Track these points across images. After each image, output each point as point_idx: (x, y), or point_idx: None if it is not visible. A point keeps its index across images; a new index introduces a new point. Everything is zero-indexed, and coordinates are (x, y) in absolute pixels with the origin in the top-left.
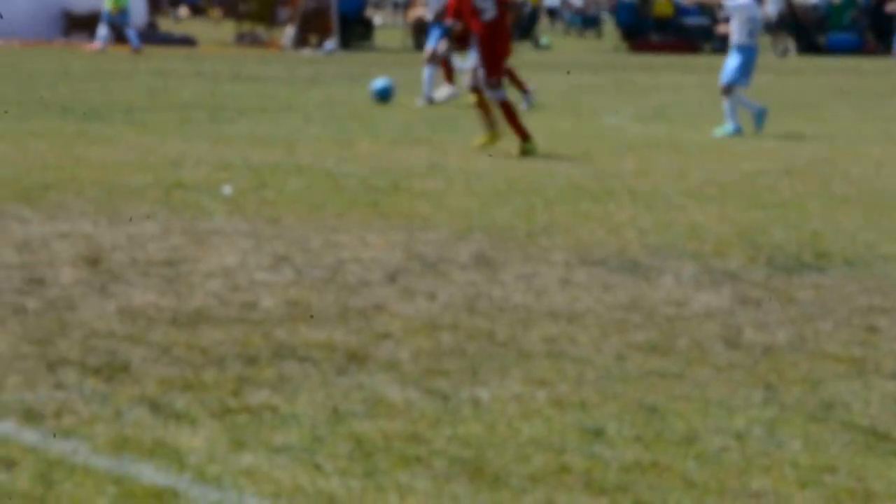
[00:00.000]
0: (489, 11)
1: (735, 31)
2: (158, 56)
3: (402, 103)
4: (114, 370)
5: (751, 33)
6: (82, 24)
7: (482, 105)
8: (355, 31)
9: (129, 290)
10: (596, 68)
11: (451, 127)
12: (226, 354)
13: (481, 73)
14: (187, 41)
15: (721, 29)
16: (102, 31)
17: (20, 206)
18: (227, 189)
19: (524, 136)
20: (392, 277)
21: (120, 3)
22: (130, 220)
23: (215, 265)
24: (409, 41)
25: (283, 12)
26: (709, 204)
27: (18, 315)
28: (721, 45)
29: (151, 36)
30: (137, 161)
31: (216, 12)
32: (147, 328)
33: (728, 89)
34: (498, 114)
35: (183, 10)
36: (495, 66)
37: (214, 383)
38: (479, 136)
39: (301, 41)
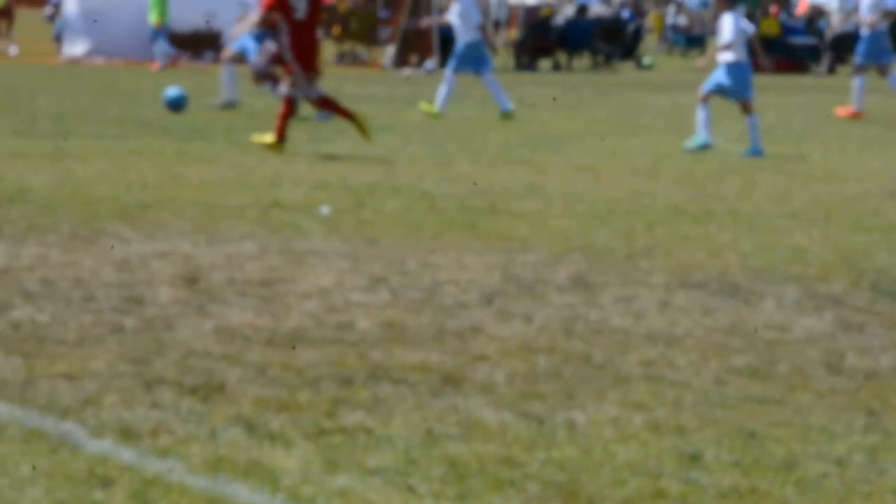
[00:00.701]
0: (300, 11)
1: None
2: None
3: (498, 122)
4: (210, 390)
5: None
6: (185, 43)
7: (327, 105)
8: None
9: (227, 310)
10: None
11: (552, 148)
12: (321, 375)
13: (298, 75)
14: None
15: (700, 63)
16: (161, 46)
17: (120, 224)
18: (325, 209)
19: (281, 136)
20: (489, 299)
21: (163, 14)
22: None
23: (312, 285)
24: (511, 60)
25: (384, 32)
26: (812, 227)
27: (116, 334)
28: (830, 65)
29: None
30: (237, 180)
31: (338, 28)
32: (243, 348)
33: (705, 97)
34: (357, 112)
35: None
36: (307, 65)
37: (309, 404)
38: (363, 134)
39: (401, 60)
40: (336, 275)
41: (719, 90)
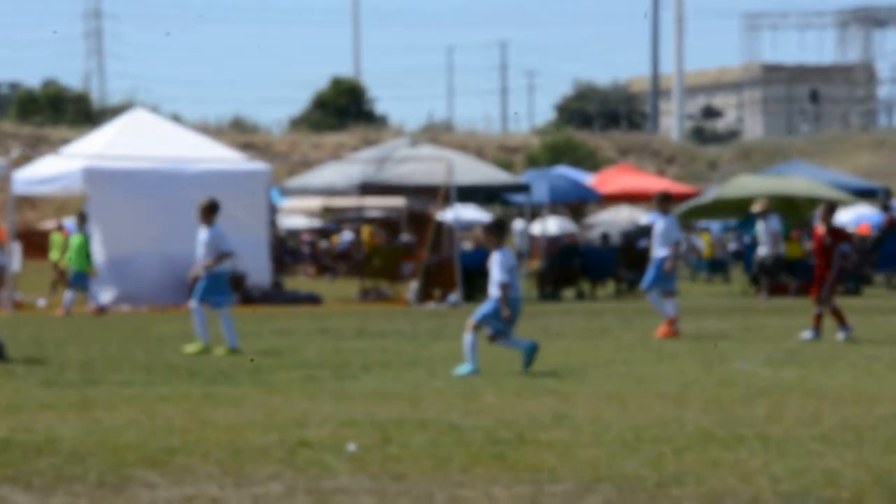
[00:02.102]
0: None
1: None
2: (284, 315)
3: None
4: None
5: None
6: None
7: None
8: (478, 283)
9: None
10: (725, 312)
11: (578, 376)
12: None
13: None
14: (313, 299)
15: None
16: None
17: (147, 471)
18: (352, 447)
19: None
20: None
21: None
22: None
23: None
24: (534, 291)
25: (407, 267)
26: (845, 449)
27: None
28: (855, 286)
29: (277, 295)
30: (263, 421)
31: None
32: None
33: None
34: None
35: (309, 269)
36: None
37: None
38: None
39: (425, 295)
40: None
41: None
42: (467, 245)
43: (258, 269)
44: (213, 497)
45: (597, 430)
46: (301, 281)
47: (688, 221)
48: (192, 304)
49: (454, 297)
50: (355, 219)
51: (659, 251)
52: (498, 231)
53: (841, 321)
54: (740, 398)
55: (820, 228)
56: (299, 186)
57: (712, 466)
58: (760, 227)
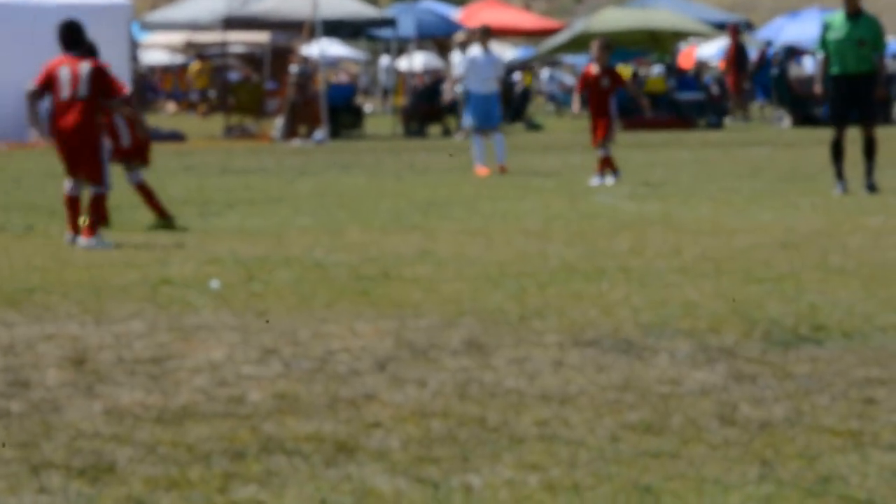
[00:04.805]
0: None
1: None
2: None
3: (389, 189)
4: (99, 471)
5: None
6: None
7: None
8: (345, 120)
9: (115, 390)
10: (588, 146)
11: (443, 213)
12: (212, 451)
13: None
14: (175, 137)
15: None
16: None
17: (5, 309)
18: (215, 283)
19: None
20: (382, 366)
21: None
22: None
23: (202, 361)
24: (399, 128)
25: (272, 104)
26: (704, 280)
27: (2, 419)
28: (717, 119)
29: None
30: (124, 260)
31: (202, 106)
32: (133, 427)
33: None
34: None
35: (170, 106)
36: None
37: (200, 480)
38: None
39: (290, 132)
40: (227, 349)
41: None
42: (333, 81)
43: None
44: (73, 335)
45: (461, 265)
46: (162, 118)
47: (554, 56)
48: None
49: (320, 133)
50: (219, 54)
51: (476, 86)
52: None
53: (612, 168)
54: (603, 232)
55: (593, 68)
56: (161, 21)
57: (574, 299)
58: (457, 59)
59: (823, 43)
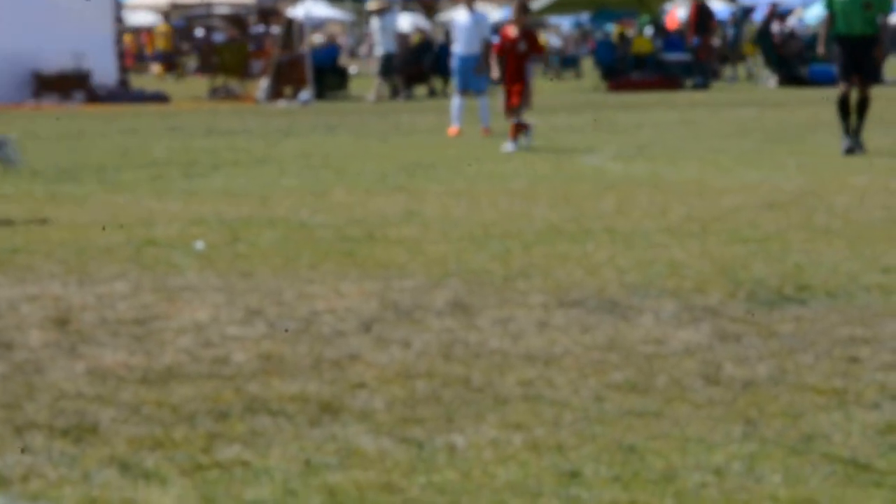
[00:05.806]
0: None
1: None
2: (130, 114)
3: (375, 150)
4: (82, 432)
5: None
6: (52, 86)
7: None
8: (330, 81)
9: (99, 350)
10: (575, 108)
11: (428, 174)
12: (196, 411)
13: None
14: (160, 98)
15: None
16: None
17: None
18: (200, 244)
19: None
20: (366, 327)
21: None
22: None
23: (186, 321)
24: (385, 90)
25: (257, 65)
26: (689, 240)
27: None
28: (703, 80)
29: (123, 94)
30: (108, 220)
31: (182, 68)
32: (116, 388)
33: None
34: None
35: (155, 67)
36: None
37: (185, 440)
38: None
39: (275, 93)
40: (211, 309)
41: None
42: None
43: (103, 68)
44: (56, 296)
45: (446, 226)
46: (147, 79)
47: (539, 18)
48: None
49: (305, 94)
50: (204, 15)
51: (462, 48)
52: None
53: (525, 128)
54: (589, 193)
55: (511, 30)
56: None
57: (560, 260)
58: (375, 25)
59: (829, 3)
